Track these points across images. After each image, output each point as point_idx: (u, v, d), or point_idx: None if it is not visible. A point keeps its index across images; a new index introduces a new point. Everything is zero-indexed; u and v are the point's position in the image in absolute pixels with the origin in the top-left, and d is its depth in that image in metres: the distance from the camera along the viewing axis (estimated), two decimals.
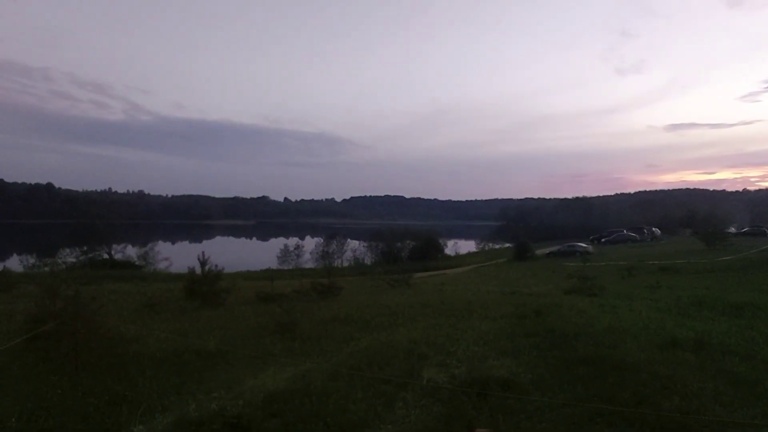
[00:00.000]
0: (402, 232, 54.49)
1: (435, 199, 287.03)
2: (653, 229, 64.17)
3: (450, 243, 61.29)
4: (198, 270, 13.24)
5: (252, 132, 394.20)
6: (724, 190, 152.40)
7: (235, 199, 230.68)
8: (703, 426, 4.37)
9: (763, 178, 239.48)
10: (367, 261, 48.94)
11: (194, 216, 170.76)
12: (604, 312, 10.52)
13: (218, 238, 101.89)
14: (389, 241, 50.92)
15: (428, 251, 49.61)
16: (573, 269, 26.77)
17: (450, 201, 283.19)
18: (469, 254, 56.69)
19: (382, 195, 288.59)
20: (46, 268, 30.13)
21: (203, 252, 13.58)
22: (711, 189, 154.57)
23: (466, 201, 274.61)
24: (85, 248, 37.44)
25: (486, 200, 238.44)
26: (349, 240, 53.92)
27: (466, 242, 69.57)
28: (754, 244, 38.47)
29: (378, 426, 4.72)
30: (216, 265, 13.58)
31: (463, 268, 39.49)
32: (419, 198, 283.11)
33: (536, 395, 5.39)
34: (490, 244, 65.98)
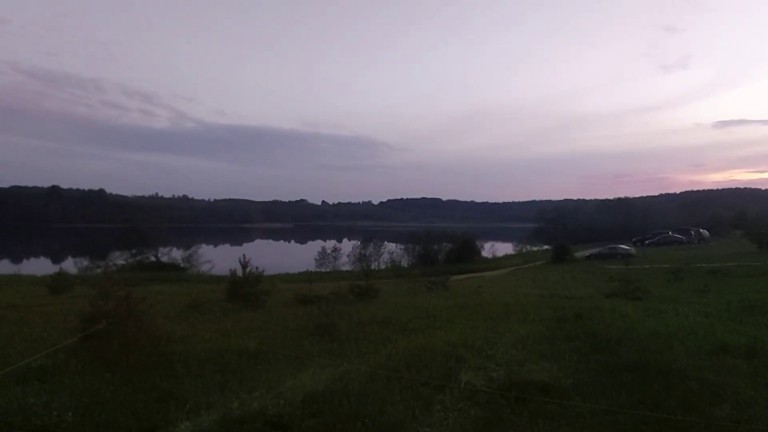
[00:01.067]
0: (439, 235, 54.40)
1: (472, 201, 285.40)
2: (701, 230, 61.59)
3: (487, 245, 60.71)
4: (239, 272, 13.59)
5: (290, 136, 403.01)
6: None
7: (274, 202, 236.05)
8: None
9: None
10: (404, 263, 49.02)
11: (235, 219, 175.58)
12: (648, 316, 10.19)
13: (258, 241, 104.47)
14: (426, 243, 50.88)
15: (465, 253, 49.31)
16: (615, 272, 26.00)
17: (487, 203, 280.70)
18: (507, 256, 55.95)
19: (419, 197, 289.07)
20: (99, 271, 31.57)
21: (244, 255, 13.93)
22: (763, 188, 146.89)
23: (504, 203, 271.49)
24: (134, 251, 39.10)
25: (523, 202, 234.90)
26: (386, 242, 54.12)
27: (503, 244, 68.67)
28: None
29: (416, 428, 4.74)
30: (256, 267, 13.91)
31: (500, 271, 38.98)
32: (456, 200, 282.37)
33: (577, 400, 5.28)
34: (528, 246, 64.85)
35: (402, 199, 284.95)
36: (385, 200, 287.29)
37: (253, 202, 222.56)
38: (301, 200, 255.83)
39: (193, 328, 9.78)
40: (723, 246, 45.51)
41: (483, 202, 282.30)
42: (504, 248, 64.91)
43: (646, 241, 57.38)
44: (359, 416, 4.91)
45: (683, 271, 23.50)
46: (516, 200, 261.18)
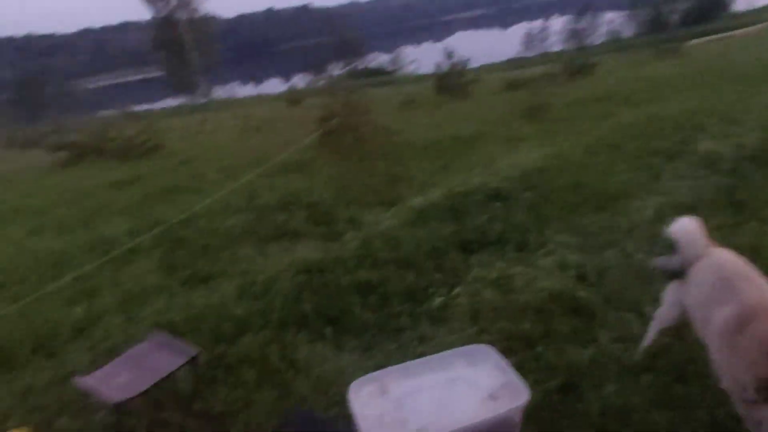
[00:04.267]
0: None
1: None
2: None
3: None
4: (444, 66, 13.59)
5: None
6: None
7: None
8: None
9: None
10: (628, 34, 41.97)
11: (431, 14, 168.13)
12: None
13: (458, 34, 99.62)
14: (656, 4, 41.81)
15: (709, 11, 39.20)
16: None
17: None
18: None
19: None
20: (321, 83, 35.19)
21: (445, 48, 13.71)
22: None
23: None
24: (346, 61, 42.18)
25: None
26: (605, 12, 46.38)
27: None
28: None
29: (643, 196, 4.52)
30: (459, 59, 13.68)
31: (760, 26, 30.43)
32: None
33: None
34: None
35: None
36: None
37: None
38: None
39: (408, 123, 10.50)
40: None
41: None
42: None
43: None
44: (579, 186, 4.88)
45: None
46: None
